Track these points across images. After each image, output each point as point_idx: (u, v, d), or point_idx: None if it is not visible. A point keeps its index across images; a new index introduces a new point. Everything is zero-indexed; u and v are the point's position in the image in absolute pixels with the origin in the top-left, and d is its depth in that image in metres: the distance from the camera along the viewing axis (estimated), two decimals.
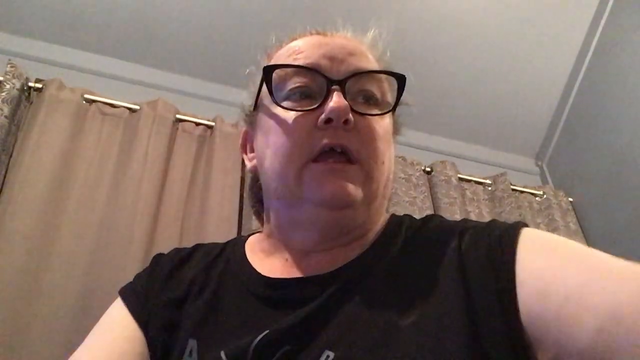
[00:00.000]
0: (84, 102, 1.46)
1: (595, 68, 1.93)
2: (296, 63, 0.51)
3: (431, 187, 1.76)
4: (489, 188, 1.87)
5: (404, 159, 1.76)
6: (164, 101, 1.53)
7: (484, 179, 1.88)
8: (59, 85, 1.43)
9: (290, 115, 0.49)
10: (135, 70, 1.78)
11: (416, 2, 1.81)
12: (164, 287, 0.54)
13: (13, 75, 1.36)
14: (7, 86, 1.32)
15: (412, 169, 1.74)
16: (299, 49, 0.53)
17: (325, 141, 0.47)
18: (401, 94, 0.52)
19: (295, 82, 0.50)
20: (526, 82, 2.01)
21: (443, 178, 1.76)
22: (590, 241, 1.85)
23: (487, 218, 1.77)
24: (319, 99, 0.48)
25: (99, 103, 1.48)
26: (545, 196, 1.90)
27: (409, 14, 1.82)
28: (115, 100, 1.50)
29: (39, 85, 1.42)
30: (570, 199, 1.94)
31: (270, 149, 0.51)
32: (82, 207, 1.28)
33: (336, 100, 0.46)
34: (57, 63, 1.67)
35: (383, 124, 0.52)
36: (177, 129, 1.54)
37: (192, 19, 1.74)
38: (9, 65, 1.37)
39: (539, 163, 2.20)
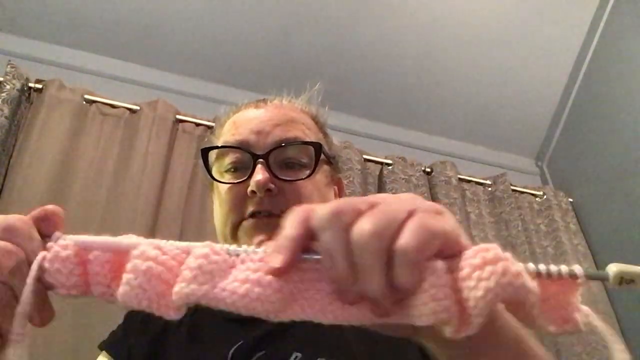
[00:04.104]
0: (84, 102, 1.46)
1: (595, 68, 1.93)
2: (232, 139, 0.62)
3: (431, 188, 1.76)
4: (489, 189, 1.87)
5: (404, 159, 1.76)
6: (164, 101, 1.53)
7: (484, 179, 1.88)
8: (59, 85, 1.44)
9: (226, 186, 0.61)
10: (135, 71, 1.78)
11: (417, 3, 1.81)
12: (144, 326, 0.62)
13: (13, 75, 1.36)
14: (7, 87, 1.32)
15: (412, 170, 1.74)
16: (236, 125, 0.64)
17: (251, 208, 0.57)
18: (319, 159, 0.61)
19: (231, 158, 0.62)
20: (526, 82, 2.01)
21: (443, 179, 1.76)
22: (590, 241, 1.84)
23: (487, 219, 1.77)
24: (250, 170, 0.58)
25: (99, 103, 1.48)
26: (545, 197, 1.90)
27: (409, 15, 1.82)
28: (116, 100, 1.50)
29: (39, 86, 1.43)
30: (570, 200, 1.94)
31: (216, 210, 0.64)
32: (82, 207, 1.28)
33: (258, 174, 0.56)
34: (57, 63, 1.67)
35: (311, 182, 0.60)
36: (177, 129, 1.54)
37: (192, 19, 1.74)
38: (9, 66, 1.37)
39: (539, 163, 2.20)
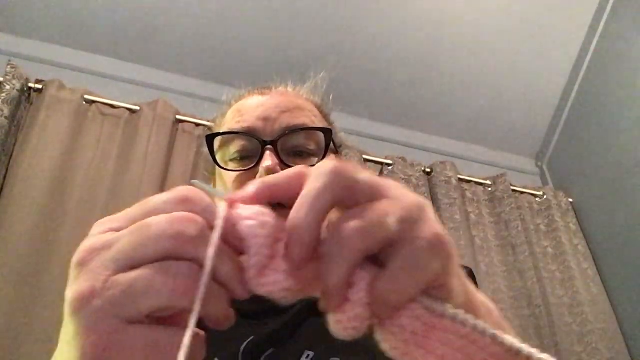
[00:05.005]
0: (84, 102, 1.46)
1: (595, 68, 1.93)
2: (238, 126, 0.59)
3: (431, 188, 1.76)
4: (489, 189, 1.87)
5: (404, 159, 1.76)
6: (164, 102, 1.53)
7: (484, 179, 1.88)
8: (59, 85, 1.43)
9: (232, 174, 0.58)
10: (135, 71, 1.78)
11: (416, 2, 1.81)
12: None
13: (13, 76, 1.36)
14: (7, 87, 1.32)
15: (412, 170, 1.74)
16: (241, 112, 0.62)
17: None
18: (329, 145, 0.60)
19: (236, 146, 0.59)
20: (526, 82, 2.01)
21: (443, 179, 1.76)
22: (590, 241, 1.84)
23: (487, 219, 1.77)
24: (257, 158, 0.56)
25: (99, 104, 1.48)
26: (545, 197, 1.90)
27: (409, 14, 1.82)
28: (115, 100, 1.50)
29: (39, 86, 1.42)
30: (570, 200, 1.94)
31: None
32: (82, 207, 1.28)
33: (267, 160, 0.54)
34: (57, 63, 1.67)
35: None
36: (177, 129, 1.54)
37: (192, 19, 1.74)
38: (9, 66, 1.37)
39: (539, 163, 2.20)
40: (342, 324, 0.25)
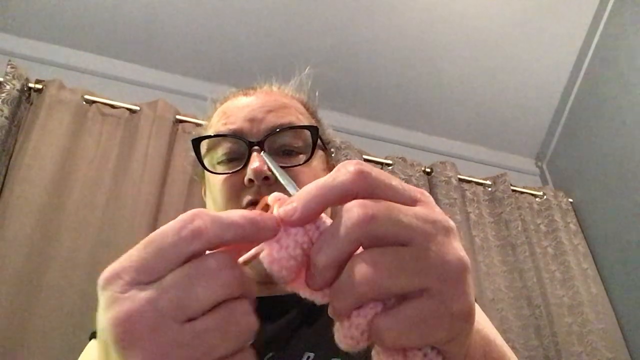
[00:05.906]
0: (84, 102, 1.46)
1: (595, 68, 1.93)
2: (224, 128, 0.59)
3: (431, 188, 1.76)
4: (489, 189, 1.87)
5: (404, 159, 1.76)
6: (164, 102, 1.53)
7: (484, 179, 1.88)
8: (59, 85, 1.43)
9: (221, 177, 0.57)
10: (135, 71, 1.78)
11: (417, 3, 1.81)
12: None
13: (13, 75, 1.36)
14: (7, 87, 1.32)
15: (412, 170, 1.74)
16: (226, 114, 0.61)
17: (249, 198, 0.54)
18: (316, 143, 0.60)
19: (224, 148, 0.59)
20: (526, 82, 2.01)
21: (443, 179, 1.76)
22: (590, 241, 1.84)
23: (487, 219, 1.77)
24: (245, 159, 0.56)
25: (99, 104, 1.48)
26: (545, 197, 1.90)
27: (409, 14, 1.82)
28: (115, 100, 1.50)
29: (39, 86, 1.42)
30: (570, 200, 1.94)
31: (210, 205, 0.61)
32: (82, 208, 1.28)
33: (255, 161, 0.53)
34: (58, 63, 1.67)
35: (309, 168, 0.58)
36: (177, 129, 1.54)
37: (192, 19, 1.74)
38: (9, 66, 1.37)
39: (539, 164, 2.20)
40: (338, 335, 0.26)
